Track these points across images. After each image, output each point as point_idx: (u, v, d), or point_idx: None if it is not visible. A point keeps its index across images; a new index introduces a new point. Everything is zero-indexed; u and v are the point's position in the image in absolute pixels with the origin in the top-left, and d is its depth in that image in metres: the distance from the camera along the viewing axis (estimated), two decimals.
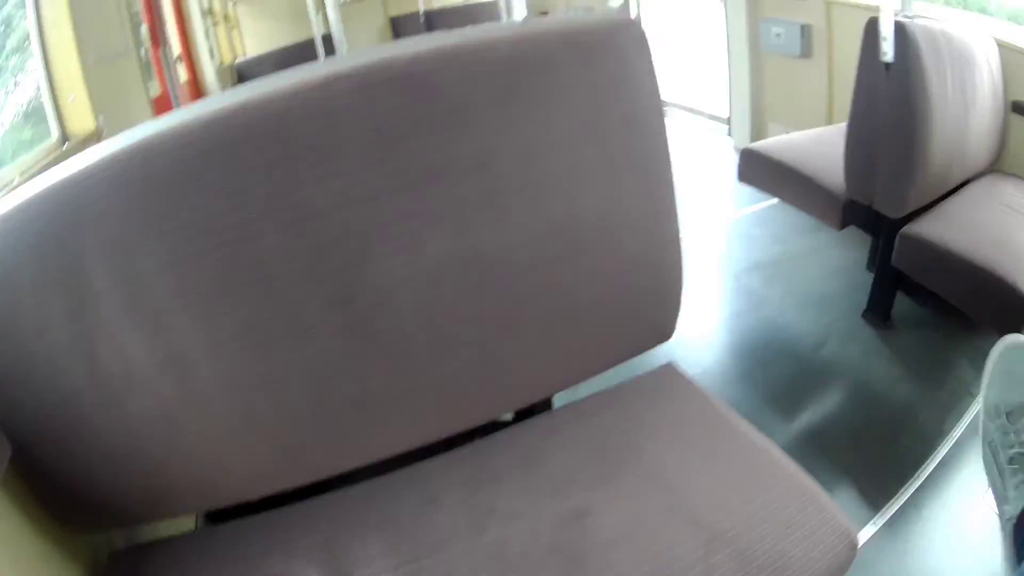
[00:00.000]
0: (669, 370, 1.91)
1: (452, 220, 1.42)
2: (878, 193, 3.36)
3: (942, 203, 3.51)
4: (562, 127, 1.53)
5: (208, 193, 1.24)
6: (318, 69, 1.33)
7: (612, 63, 1.59)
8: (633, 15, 6.29)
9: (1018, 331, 2.61)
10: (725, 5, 6.23)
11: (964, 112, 3.46)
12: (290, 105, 1.27)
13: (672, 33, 9.42)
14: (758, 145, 4.17)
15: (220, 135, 1.24)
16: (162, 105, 5.27)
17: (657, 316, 1.83)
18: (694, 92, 8.21)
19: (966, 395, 3.17)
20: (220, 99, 1.30)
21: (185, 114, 1.27)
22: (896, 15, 3.21)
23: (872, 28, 3.13)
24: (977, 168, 3.83)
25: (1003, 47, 3.97)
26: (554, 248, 1.55)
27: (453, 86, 1.39)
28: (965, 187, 3.74)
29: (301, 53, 5.36)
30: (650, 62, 1.65)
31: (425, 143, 1.37)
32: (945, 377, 3.34)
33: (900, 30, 3.06)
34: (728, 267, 4.57)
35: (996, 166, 4.08)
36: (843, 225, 3.61)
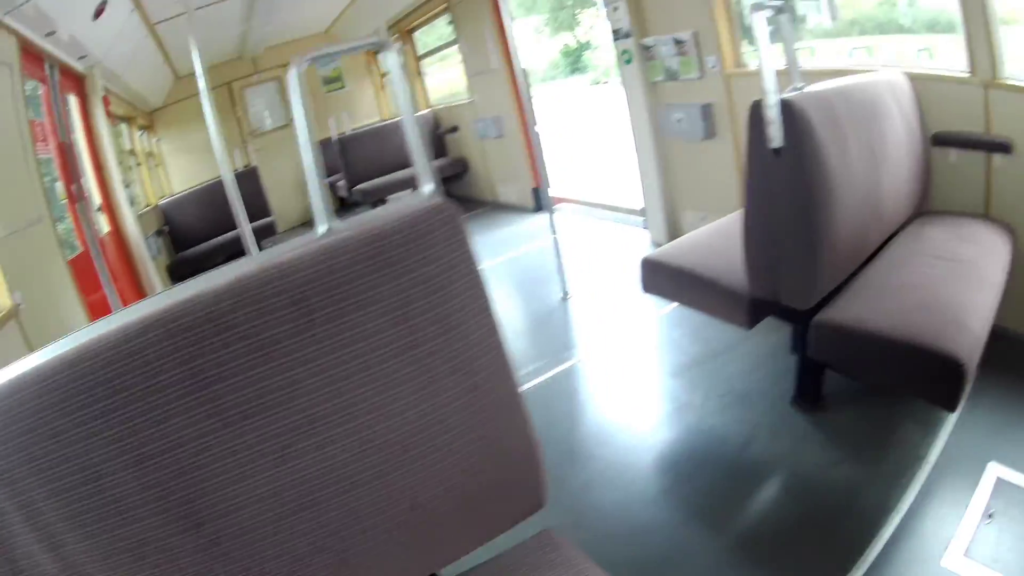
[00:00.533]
0: (545, 538, 1.92)
1: (273, 452, 1.45)
2: (783, 287, 3.23)
3: (860, 273, 3.40)
4: (371, 344, 1.54)
5: (63, 438, 1.30)
6: (134, 312, 1.38)
7: (420, 263, 1.58)
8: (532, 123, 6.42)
9: (959, 401, 2.71)
10: (627, 98, 6.42)
11: (875, 172, 3.40)
12: (115, 354, 1.33)
13: (587, 129, 9.51)
14: (656, 253, 4.05)
15: (63, 383, 1.30)
16: (81, 265, 5.26)
17: (521, 492, 1.83)
18: (613, 188, 8.44)
19: (914, 460, 3.10)
20: (71, 339, 1.36)
21: (47, 353, 1.34)
22: (787, 89, 3.15)
23: (757, 112, 2.99)
24: (899, 221, 3.79)
25: (915, 79, 4.06)
26: (383, 460, 1.57)
27: (253, 322, 1.42)
28: (888, 244, 3.68)
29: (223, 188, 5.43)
30: (466, 246, 1.64)
31: (236, 382, 1.40)
32: (889, 447, 3.25)
33: (787, 109, 2.93)
34: (648, 376, 4.42)
35: (923, 207, 4.08)
36: (752, 324, 3.49)
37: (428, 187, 1.76)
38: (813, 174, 2.96)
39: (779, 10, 3.25)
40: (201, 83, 4.76)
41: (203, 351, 1.37)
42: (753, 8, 2.96)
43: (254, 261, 1.48)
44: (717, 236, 4.03)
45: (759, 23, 2.93)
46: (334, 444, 1.50)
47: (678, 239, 4.27)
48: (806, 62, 5.10)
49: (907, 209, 3.85)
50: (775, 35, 3.14)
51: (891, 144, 3.57)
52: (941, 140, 4.06)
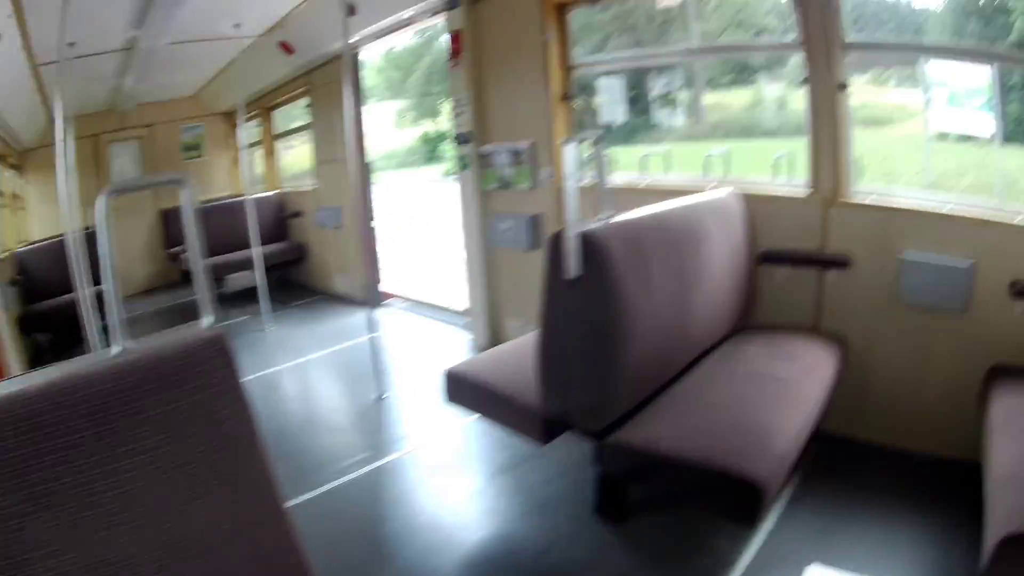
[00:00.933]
0: None
1: (79, 536, 1.63)
2: (574, 409, 3.26)
3: (666, 392, 3.49)
4: (150, 456, 1.74)
5: None
6: None
7: (194, 389, 1.83)
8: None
9: (757, 520, 2.82)
10: (461, 203, 6.68)
11: (685, 295, 3.57)
12: None
13: (431, 221, 9.60)
14: (459, 366, 4.07)
15: None
16: None
17: None
18: (445, 285, 8.61)
19: (723, 567, 3.20)
20: None
21: None
22: (595, 218, 3.32)
23: (557, 241, 3.08)
24: (716, 338, 4.01)
25: (750, 198, 4.42)
26: (164, 556, 1.74)
27: (57, 425, 1.62)
28: (703, 360, 3.85)
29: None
30: (235, 376, 1.91)
31: (44, 475, 1.59)
32: (697, 554, 3.33)
33: (587, 241, 3.02)
34: (454, 481, 4.42)
35: (747, 323, 4.37)
36: (547, 441, 3.49)
37: (207, 319, 2.09)
38: (607, 305, 3.07)
39: (596, 140, 3.64)
40: (60, 146, 5.29)
41: (18, 444, 1.57)
42: (564, 141, 3.19)
43: (62, 369, 1.74)
44: (520, 352, 4.03)
45: (568, 156, 3.14)
46: (125, 537, 1.70)
47: (483, 353, 4.46)
48: (658, 169, 5.40)
49: (727, 326, 4.11)
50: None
51: (709, 265, 3.80)
52: (770, 258, 4.42)
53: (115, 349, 1.90)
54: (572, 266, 3.04)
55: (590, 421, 3.25)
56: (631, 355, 3.18)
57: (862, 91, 4.51)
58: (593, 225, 3.20)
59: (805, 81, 4.42)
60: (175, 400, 1.82)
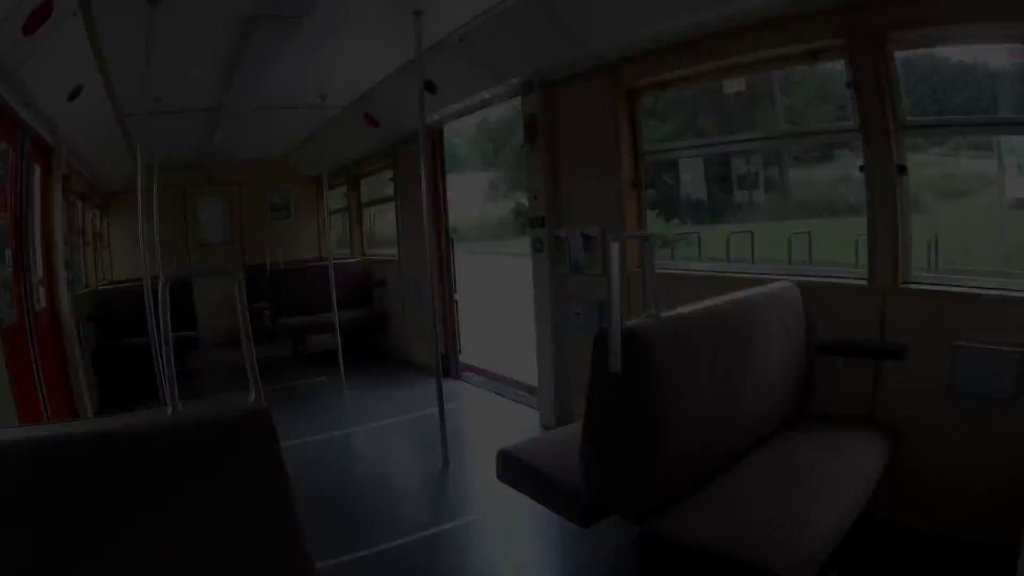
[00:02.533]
0: None
1: None
2: (615, 499, 3.23)
3: (712, 483, 3.39)
4: (189, 528, 1.78)
5: None
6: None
7: (231, 462, 1.85)
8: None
9: None
10: (534, 285, 6.80)
11: (734, 389, 3.56)
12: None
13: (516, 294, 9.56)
14: (513, 446, 4.02)
15: None
16: (15, 335, 5.37)
17: None
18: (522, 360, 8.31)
19: None
20: None
21: None
22: (643, 315, 3.36)
23: (601, 339, 3.10)
24: (769, 429, 3.92)
25: (808, 288, 4.36)
26: None
27: (95, 478, 1.68)
28: (754, 451, 3.74)
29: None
30: (275, 451, 1.92)
31: (67, 521, 1.63)
32: None
33: (631, 337, 3.04)
34: (504, 557, 4.49)
35: (804, 411, 4.25)
36: (587, 524, 3.46)
37: (253, 392, 2.09)
38: (648, 400, 3.07)
39: (643, 239, 3.73)
40: (141, 194, 5.28)
41: (76, 495, 1.64)
42: (611, 239, 3.21)
43: (116, 421, 1.83)
44: (571, 437, 3.80)
45: (612, 254, 3.15)
46: None
47: (537, 436, 4.35)
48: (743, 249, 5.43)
49: (780, 418, 4.01)
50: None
51: (763, 358, 3.78)
52: (828, 349, 4.32)
53: (168, 410, 1.92)
54: (614, 362, 3.04)
55: (627, 508, 3.22)
56: (671, 448, 3.16)
57: (941, 163, 4.40)
58: (639, 321, 3.25)
59: (863, 168, 4.42)
60: (213, 471, 1.84)
